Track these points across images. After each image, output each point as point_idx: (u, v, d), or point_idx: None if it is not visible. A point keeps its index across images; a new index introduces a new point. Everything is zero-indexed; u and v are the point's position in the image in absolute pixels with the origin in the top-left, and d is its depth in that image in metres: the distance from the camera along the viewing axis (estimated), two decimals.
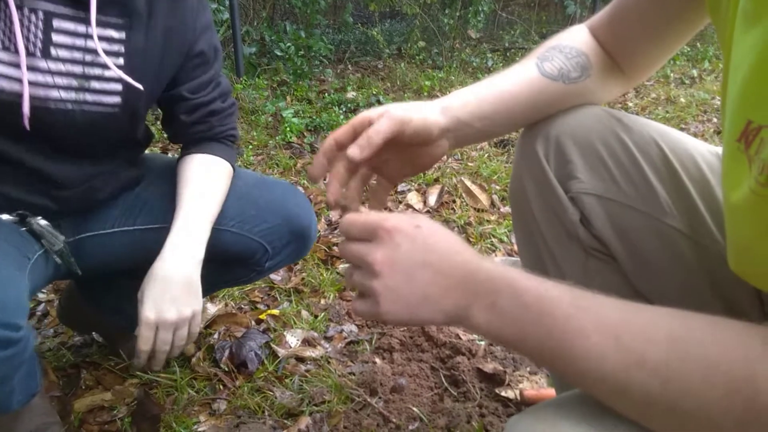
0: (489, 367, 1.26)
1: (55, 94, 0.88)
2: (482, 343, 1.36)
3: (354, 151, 0.62)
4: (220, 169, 1.06)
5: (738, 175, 0.48)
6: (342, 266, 1.74)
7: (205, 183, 1.03)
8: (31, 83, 0.86)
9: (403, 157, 0.72)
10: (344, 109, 3.24)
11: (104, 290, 1.24)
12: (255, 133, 2.89)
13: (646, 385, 0.44)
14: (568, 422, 0.50)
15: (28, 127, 0.86)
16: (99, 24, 0.89)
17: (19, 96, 0.84)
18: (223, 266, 1.03)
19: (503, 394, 1.20)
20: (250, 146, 2.74)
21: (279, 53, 3.80)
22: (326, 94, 3.50)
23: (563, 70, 0.76)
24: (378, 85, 3.88)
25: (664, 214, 0.73)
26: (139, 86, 0.93)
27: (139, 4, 0.92)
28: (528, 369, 1.29)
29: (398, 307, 0.54)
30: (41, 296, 1.57)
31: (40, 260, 0.96)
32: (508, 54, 4.99)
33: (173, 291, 0.93)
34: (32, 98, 0.86)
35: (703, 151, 0.75)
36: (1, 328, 0.75)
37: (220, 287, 1.34)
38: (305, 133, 2.94)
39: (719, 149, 0.77)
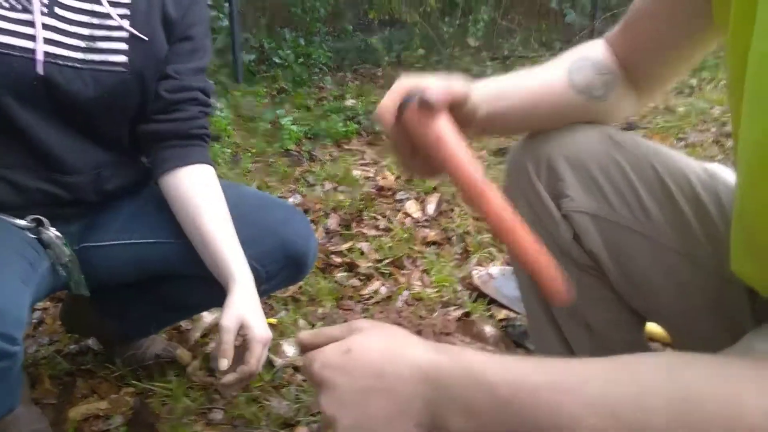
0: None
1: (63, 52, 0.91)
2: None
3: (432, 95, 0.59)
4: (211, 179, 1.05)
5: None
6: (339, 275, 1.74)
7: (214, 204, 1.02)
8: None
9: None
10: (343, 117, 3.24)
11: (109, 297, 1.23)
12: (254, 141, 2.89)
13: None
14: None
15: (42, 71, 0.88)
16: None
17: (32, 52, 0.88)
18: (213, 286, 1.01)
19: None
20: (249, 154, 2.74)
21: (278, 60, 3.82)
22: (325, 102, 3.51)
23: (591, 86, 0.76)
24: (377, 92, 3.89)
25: (658, 233, 0.73)
26: (144, 37, 0.96)
27: None
28: None
29: None
30: (37, 304, 1.56)
31: (46, 273, 0.96)
32: (507, 62, 5.00)
33: (263, 317, 0.96)
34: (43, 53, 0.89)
35: (697, 170, 0.75)
36: None
37: (212, 307, 1.31)
38: (304, 141, 2.94)
39: (713, 166, 0.78)
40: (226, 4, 3.50)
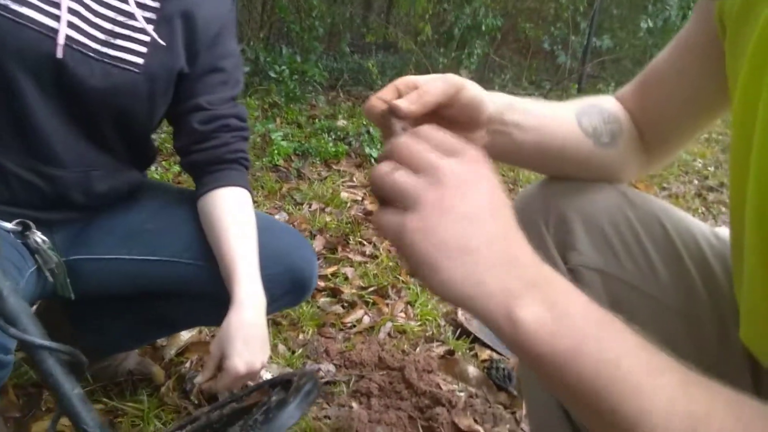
0: (464, 423, 1.23)
1: (81, 38, 0.89)
2: (462, 394, 1.33)
3: (402, 103, 0.53)
4: (246, 201, 1.05)
5: None
6: (322, 300, 1.71)
7: (243, 224, 1.01)
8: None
9: None
10: (333, 137, 3.23)
11: (89, 310, 1.19)
12: None
13: None
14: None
15: (61, 54, 0.86)
16: None
17: (54, 32, 0.86)
18: (216, 306, 0.99)
19: None
20: None
21: (273, 75, 3.79)
22: (317, 120, 3.49)
23: (597, 131, 0.75)
24: None
25: (663, 292, 0.73)
26: (163, 42, 0.95)
27: None
28: (507, 426, 1.26)
29: (433, 239, 0.41)
30: None
31: (31, 278, 0.93)
32: None
33: (256, 344, 0.95)
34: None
35: (705, 232, 0.76)
36: None
37: (210, 324, 1.31)
38: (293, 158, 2.92)
39: (722, 230, 0.78)
40: None
